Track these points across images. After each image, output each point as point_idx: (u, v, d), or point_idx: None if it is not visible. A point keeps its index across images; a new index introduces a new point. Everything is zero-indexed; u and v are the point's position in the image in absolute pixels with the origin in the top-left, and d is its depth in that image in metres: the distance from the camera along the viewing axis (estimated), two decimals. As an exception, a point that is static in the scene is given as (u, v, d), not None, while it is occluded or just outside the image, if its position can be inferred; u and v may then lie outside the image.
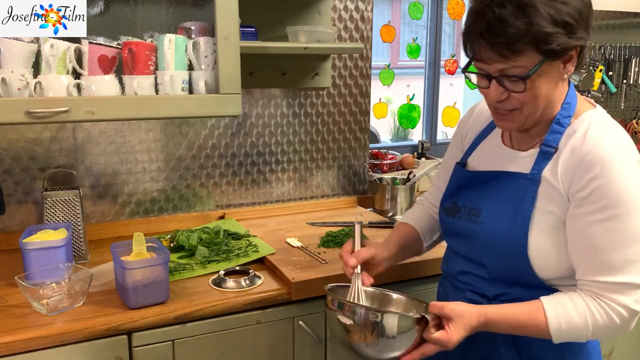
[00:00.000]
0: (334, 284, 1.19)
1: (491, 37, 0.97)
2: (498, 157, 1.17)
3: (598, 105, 1.12)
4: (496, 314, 1.04)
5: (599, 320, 1.00)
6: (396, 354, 1.05)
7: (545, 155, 1.07)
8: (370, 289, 1.21)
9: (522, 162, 1.11)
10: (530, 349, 1.12)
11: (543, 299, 1.04)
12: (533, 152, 1.10)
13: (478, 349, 1.16)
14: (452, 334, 1.01)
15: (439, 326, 1.03)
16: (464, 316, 1.02)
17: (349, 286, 1.18)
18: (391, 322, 1.03)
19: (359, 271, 1.17)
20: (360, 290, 1.15)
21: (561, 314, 1.01)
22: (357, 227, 1.23)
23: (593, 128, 1.04)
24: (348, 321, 1.05)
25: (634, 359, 2.21)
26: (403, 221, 1.38)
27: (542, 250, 1.06)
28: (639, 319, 1.04)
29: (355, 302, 1.13)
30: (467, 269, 1.19)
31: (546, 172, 1.06)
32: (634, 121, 2.87)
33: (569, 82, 1.10)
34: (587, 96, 2.65)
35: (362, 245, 1.22)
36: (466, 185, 1.20)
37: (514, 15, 0.94)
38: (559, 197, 1.05)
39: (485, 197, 1.15)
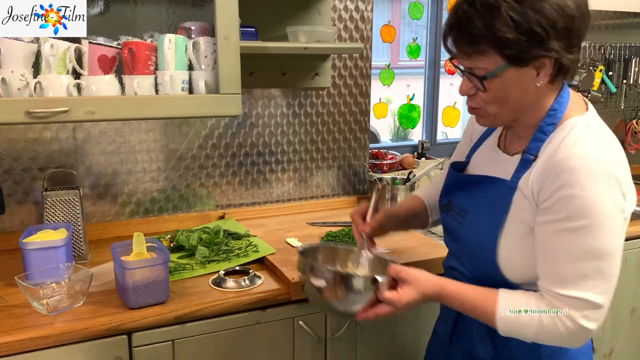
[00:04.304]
0: (308, 245, 1.28)
1: (457, 34, 0.99)
2: (491, 159, 1.18)
3: (591, 110, 1.08)
4: (453, 290, 1.08)
5: (545, 324, 1.00)
6: (355, 310, 1.11)
7: (525, 163, 1.07)
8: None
9: (506, 167, 1.11)
10: (507, 346, 1.13)
11: (501, 290, 1.06)
12: (517, 158, 1.10)
13: (462, 343, 1.20)
14: (402, 295, 1.06)
15: (395, 288, 1.08)
16: (420, 282, 1.07)
17: (318, 247, 1.29)
18: (348, 283, 1.09)
19: (365, 237, 1.28)
20: (364, 254, 1.26)
21: (511, 307, 1.02)
22: (375, 196, 1.31)
23: (571, 137, 1.01)
24: (318, 282, 1.12)
25: (634, 359, 2.20)
26: (415, 194, 1.45)
27: (510, 257, 1.07)
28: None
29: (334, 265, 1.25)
30: (455, 265, 1.23)
31: (522, 180, 1.06)
32: (634, 121, 2.87)
33: (563, 87, 1.07)
34: (586, 96, 2.65)
35: (376, 210, 1.31)
36: (458, 185, 1.22)
37: (479, 15, 0.95)
38: (529, 205, 1.04)
39: (472, 199, 1.17)
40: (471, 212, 1.16)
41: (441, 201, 1.27)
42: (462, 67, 1.04)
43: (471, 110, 1.09)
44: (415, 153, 2.57)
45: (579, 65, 2.60)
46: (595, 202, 0.95)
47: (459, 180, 1.22)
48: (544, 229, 1.01)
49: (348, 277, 1.11)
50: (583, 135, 1.01)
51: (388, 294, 1.06)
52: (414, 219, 1.42)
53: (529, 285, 1.07)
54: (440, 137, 2.92)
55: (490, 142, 1.21)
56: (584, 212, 0.96)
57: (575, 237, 0.97)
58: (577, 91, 2.58)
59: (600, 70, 2.64)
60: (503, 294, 1.05)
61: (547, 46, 0.96)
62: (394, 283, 1.09)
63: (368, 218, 1.30)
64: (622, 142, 2.87)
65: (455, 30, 1.00)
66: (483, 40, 0.96)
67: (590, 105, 1.11)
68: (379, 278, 1.08)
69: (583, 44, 2.61)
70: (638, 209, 2.27)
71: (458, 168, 1.25)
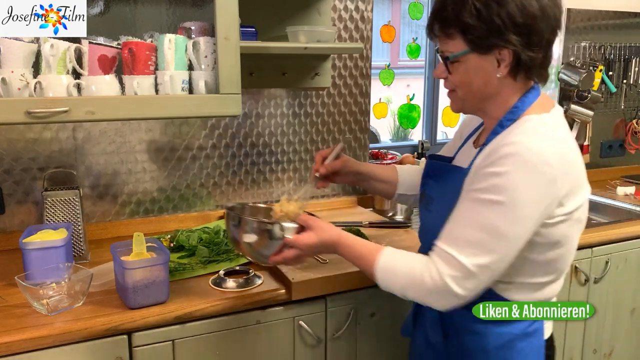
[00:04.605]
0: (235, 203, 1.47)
1: (434, 17, 1.11)
2: (467, 154, 1.24)
3: (554, 112, 1.12)
4: (348, 240, 1.18)
5: (416, 273, 1.06)
6: (267, 254, 1.25)
7: (480, 153, 1.12)
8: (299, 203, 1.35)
9: (470, 158, 1.17)
10: (457, 333, 1.19)
11: (391, 247, 1.15)
12: (478, 150, 1.16)
13: (421, 329, 1.29)
14: (302, 237, 1.18)
15: None
16: (321, 228, 1.19)
17: (244, 205, 1.46)
18: (264, 230, 1.23)
19: (318, 176, 1.42)
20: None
21: (391, 258, 1.11)
22: (339, 146, 1.45)
23: (519, 129, 1.06)
24: (241, 231, 1.27)
25: (634, 359, 2.20)
26: (395, 165, 1.54)
27: None
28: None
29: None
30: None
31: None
32: (634, 121, 2.87)
33: (533, 88, 1.12)
34: (587, 96, 2.65)
35: (337, 158, 1.43)
36: (429, 174, 1.29)
37: (451, 3, 1.06)
38: None
39: (437, 187, 1.23)
40: (435, 199, 1.21)
41: (420, 192, 1.33)
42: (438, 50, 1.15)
43: (448, 94, 1.19)
44: (415, 153, 2.57)
45: (581, 65, 2.61)
46: (513, 185, 0.99)
47: (431, 169, 1.29)
48: (461, 197, 1.08)
49: (261, 224, 1.24)
50: (531, 130, 1.06)
51: (290, 237, 1.19)
52: (379, 183, 1.50)
53: (499, 279, 1.10)
54: (440, 137, 2.92)
55: (471, 140, 1.28)
56: (498, 189, 1.00)
57: (480, 207, 1.02)
58: (578, 91, 2.59)
59: (600, 70, 2.64)
60: (389, 248, 1.13)
61: (505, 37, 1.04)
62: (303, 231, 1.21)
63: (327, 161, 1.41)
64: (622, 142, 2.87)
65: (434, 16, 1.12)
66: (452, 25, 1.07)
67: (557, 108, 1.14)
68: (285, 224, 1.22)
69: (583, 45, 2.63)
70: (637, 208, 2.27)
71: (436, 159, 1.32)
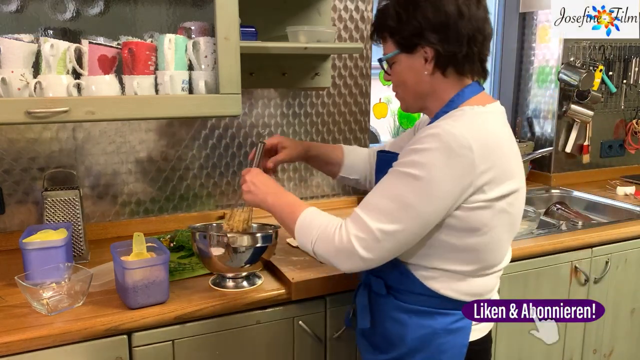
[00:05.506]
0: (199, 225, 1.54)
1: (372, 26, 1.22)
2: None
3: (491, 106, 1.15)
4: (284, 192, 1.27)
5: (329, 229, 1.13)
6: (231, 265, 1.40)
7: None
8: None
9: None
10: (382, 320, 1.23)
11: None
12: None
13: (358, 317, 1.31)
14: (253, 170, 1.31)
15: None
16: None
17: (207, 225, 1.56)
18: (221, 241, 1.37)
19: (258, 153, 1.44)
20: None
21: (312, 214, 1.18)
22: (260, 147, 1.44)
23: (447, 116, 1.11)
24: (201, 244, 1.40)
25: (634, 359, 2.20)
26: (343, 145, 1.58)
27: None
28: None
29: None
30: None
31: None
32: (634, 121, 2.87)
33: (470, 85, 1.16)
34: (587, 96, 2.64)
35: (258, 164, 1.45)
36: (380, 169, 1.31)
37: (380, 11, 1.18)
38: None
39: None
40: None
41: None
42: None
43: (395, 96, 1.25)
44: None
45: (581, 65, 2.62)
46: (429, 162, 1.03)
47: (380, 163, 1.33)
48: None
49: (220, 237, 1.38)
50: (458, 117, 1.10)
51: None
52: (324, 165, 1.57)
53: (414, 259, 1.15)
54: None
55: None
56: (415, 164, 1.05)
57: (396, 179, 1.08)
58: (577, 91, 2.59)
59: (600, 70, 2.64)
60: (314, 207, 1.20)
61: (424, 36, 1.11)
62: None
63: (254, 165, 1.43)
64: (622, 142, 2.87)
65: (372, 25, 1.23)
66: (382, 30, 1.19)
67: (495, 104, 1.16)
68: (232, 235, 1.37)
69: (583, 45, 2.63)
70: (637, 208, 2.27)
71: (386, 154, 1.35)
